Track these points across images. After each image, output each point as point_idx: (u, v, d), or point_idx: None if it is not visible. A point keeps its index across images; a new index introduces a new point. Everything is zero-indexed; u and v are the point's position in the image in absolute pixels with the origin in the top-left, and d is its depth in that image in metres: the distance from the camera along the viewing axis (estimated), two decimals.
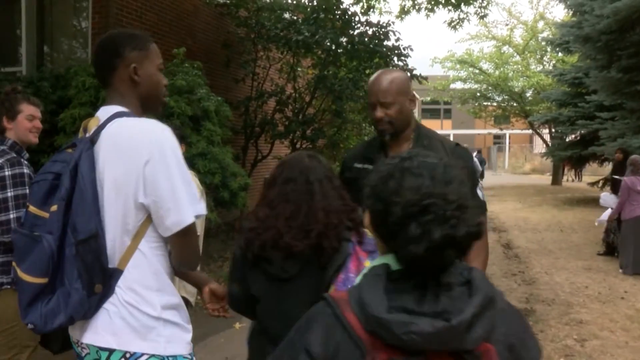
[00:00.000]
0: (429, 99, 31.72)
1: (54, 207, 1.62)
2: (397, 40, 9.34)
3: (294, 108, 9.78)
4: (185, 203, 1.63)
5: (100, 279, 1.62)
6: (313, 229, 1.88)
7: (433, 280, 1.05)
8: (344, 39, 9.32)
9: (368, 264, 1.73)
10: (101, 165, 1.65)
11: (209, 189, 6.11)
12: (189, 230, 1.65)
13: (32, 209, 1.69)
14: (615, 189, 8.74)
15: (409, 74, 9.53)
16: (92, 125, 1.72)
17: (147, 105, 1.83)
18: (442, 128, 52.85)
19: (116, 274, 1.66)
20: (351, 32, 9.46)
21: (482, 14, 9.81)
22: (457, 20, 10.07)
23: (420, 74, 9.58)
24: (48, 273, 1.61)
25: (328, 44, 9.15)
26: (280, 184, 1.98)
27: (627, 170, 7.54)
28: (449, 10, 9.71)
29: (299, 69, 10.00)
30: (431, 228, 1.00)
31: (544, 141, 25.07)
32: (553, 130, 21.40)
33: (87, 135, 1.71)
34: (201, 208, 1.68)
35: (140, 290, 1.66)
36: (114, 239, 1.64)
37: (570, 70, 15.95)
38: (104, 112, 1.75)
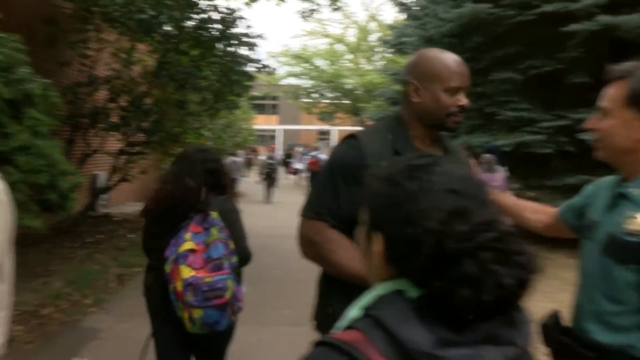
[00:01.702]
0: (258, 93, 31.45)
1: None
2: (248, 27, 8.74)
3: (130, 97, 8.72)
4: None
5: None
6: (164, 202, 2.77)
7: None
8: (187, 23, 8.50)
9: (188, 235, 2.57)
10: None
11: (32, 191, 5.09)
12: None
13: None
14: None
15: (259, 65, 9.00)
16: None
17: None
18: (269, 124, 53.18)
19: None
20: (195, 16, 8.66)
21: (336, 6, 9.66)
22: (309, 11, 9.81)
23: (268, 66, 9.09)
24: None
25: (169, 28, 8.27)
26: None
27: (482, 168, 7.75)
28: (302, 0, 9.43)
29: (135, 54, 8.95)
30: (491, 269, 0.80)
31: None
32: None
33: None
34: None
35: None
36: None
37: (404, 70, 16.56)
38: None
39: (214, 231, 2.60)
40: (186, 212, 2.66)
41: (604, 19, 7.97)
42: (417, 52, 1.96)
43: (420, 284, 0.86)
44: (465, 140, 9.71)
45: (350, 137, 1.89)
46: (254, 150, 27.66)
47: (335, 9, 10.09)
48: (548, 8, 8.37)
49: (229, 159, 14.33)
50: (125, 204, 12.14)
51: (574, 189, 8.86)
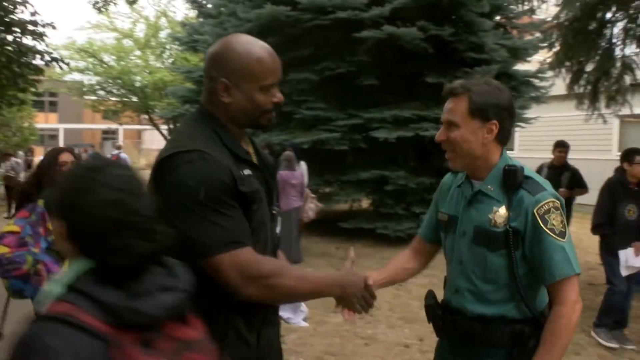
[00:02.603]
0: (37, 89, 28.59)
1: None
2: (34, 14, 7.90)
3: None
4: None
5: None
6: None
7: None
8: None
9: (12, 220, 3.08)
10: None
11: None
12: None
13: None
14: None
15: (49, 58, 8.25)
16: None
17: None
18: (48, 122, 48.84)
19: None
20: None
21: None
22: (103, 3, 9.16)
23: (62, 59, 8.36)
24: None
25: None
26: None
27: (281, 165, 7.99)
28: None
29: None
30: (133, 243, 1.12)
31: (164, 137, 25.51)
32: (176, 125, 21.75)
33: None
34: None
35: None
36: None
37: (197, 68, 16.35)
38: None
39: (32, 215, 3.13)
40: (22, 202, 3.22)
41: (389, 29, 8.77)
42: (221, 43, 1.72)
43: (93, 258, 1.14)
44: (264, 138, 9.94)
45: (195, 152, 1.58)
46: (31, 151, 25.21)
47: (132, 2, 9.61)
48: (342, 15, 8.94)
49: (9, 161, 12.75)
50: None
51: (367, 183, 9.66)
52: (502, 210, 1.90)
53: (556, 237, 1.84)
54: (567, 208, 6.99)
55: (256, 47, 1.69)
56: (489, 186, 1.95)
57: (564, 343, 1.83)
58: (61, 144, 39.68)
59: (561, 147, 7.07)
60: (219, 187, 1.56)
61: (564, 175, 7.01)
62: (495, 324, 1.92)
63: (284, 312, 5.25)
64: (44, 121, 47.79)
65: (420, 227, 2.32)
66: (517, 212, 1.87)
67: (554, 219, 1.85)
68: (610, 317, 5.09)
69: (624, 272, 4.99)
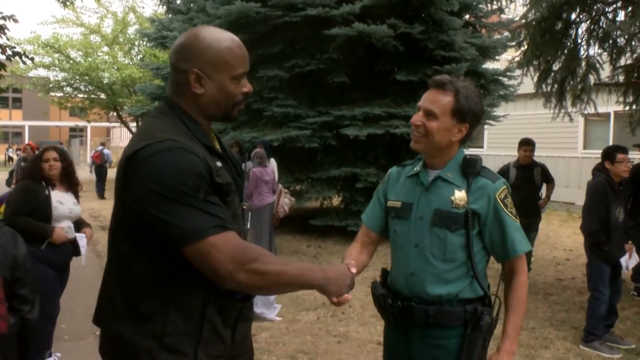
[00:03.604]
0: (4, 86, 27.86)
1: None
2: None
3: None
4: None
5: None
6: None
7: None
8: None
9: None
10: None
11: None
12: None
13: None
14: None
15: (11, 52, 8.03)
16: None
17: None
18: (12, 119, 47.87)
19: None
20: None
21: None
22: None
23: (25, 53, 8.15)
24: None
25: None
26: None
27: (253, 162, 7.95)
28: None
29: None
30: None
31: (133, 134, 25.16)
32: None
33: None
34: None
35: None
36: None
37: (166, 65, 16.17)
38: None
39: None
40: None
41: (359, 26, 8.77)
42: (189, 34, 1.68)
43: None
44: (234, 136, 9.88)
45: (168, 141, 1.52)
46: None
47: None
48: (312, 12, 8.92)
49: None
50: None
51: (338, 180, 9.64)
52: (462, 194, 2.06)
53: (514, 218, 2.08)
54: (537, 206, 7.01)
55: (225, 36, 1.68)
56: (448, 173, 2.10)
57: (526, 304, 2.13)
58: (26, 141, 38.88)
59: (526, 145, 6.86)
60: (200, 176, 1.51)
61: (535, 172, 6.93)
62: (451, 304, 2.05)
63: (257, 308, 5.22)
64: (8, 118, 46.82)
65: (365, 220, 2.34)
66: (477, 196, 2.05)
67: (509, 202, 2.09)
68: (601, 328, 4.88)
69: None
